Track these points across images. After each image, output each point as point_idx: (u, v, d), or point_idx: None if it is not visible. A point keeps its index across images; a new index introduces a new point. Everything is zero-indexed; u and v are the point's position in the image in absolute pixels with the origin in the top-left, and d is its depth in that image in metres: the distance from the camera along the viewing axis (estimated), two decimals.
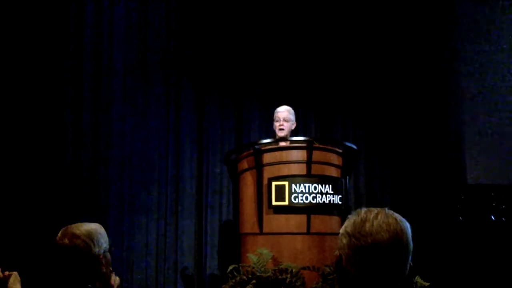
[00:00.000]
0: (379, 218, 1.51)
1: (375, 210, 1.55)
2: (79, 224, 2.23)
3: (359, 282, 1.50)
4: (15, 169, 5.07)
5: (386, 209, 1.56)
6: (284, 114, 4.82)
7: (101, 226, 2.27)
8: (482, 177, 5.94)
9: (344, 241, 1.53)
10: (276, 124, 4.81)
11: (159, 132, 5.67)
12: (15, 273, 2.36)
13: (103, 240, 2.22)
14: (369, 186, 6.23)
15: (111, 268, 2.26)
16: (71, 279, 2.16)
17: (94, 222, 2.30)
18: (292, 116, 4.85)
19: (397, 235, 1.49)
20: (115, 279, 2.27)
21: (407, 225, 1.54)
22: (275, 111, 4.88)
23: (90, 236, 2.18)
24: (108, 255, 2.24)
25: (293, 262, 4.14)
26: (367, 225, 1.50)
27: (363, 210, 1.56)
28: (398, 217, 1.54)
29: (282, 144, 4.63)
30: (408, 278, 1.53)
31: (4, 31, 5.18)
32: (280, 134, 4.76)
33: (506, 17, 6.08)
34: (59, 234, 2.20)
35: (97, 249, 2.17)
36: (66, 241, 2.16)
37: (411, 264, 1.53)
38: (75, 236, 2.16)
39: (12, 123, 5.14)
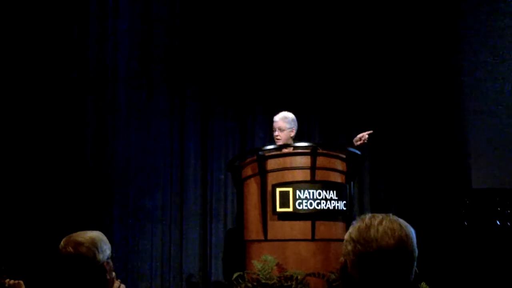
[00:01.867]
0: (383, 224, 1.51)
1: (379, 216, 1.54)
2: (81, 232, 2.24)
3: None
4: (20, 177, 5.08)
5: (391, 214, 1.56)
6: (279, 123, 4.78)
7: (102, 233, 2.27)
8: (487, 181, 5.93)
9: (349, 247, 1.53)
10: (274, 134, 4.81)
11: (164, 139, 5.67)
12: (21, 282, 2.37)
13: (106, 247, 2.23)
14: (374, 191, 6.23)
15: (114, 275, 2.26)
16: (76, 287, 2.16)
17: (97, 230, 2.31)
18: (287, 124, 4.78)
19: (402, 241, 1.49)
20: (119, 286, 2.27)
21: (412, 231, 1.53)
22: (273, 119, 4.86)
23: (94, 243, 2.18)
24: (111, 262, 2.24)
25: (298, 269, 4.13)
26: (372, 231, 1.50)
27: (368, 216, 1.56)
28: (403, 222, 1.54)
29: (286, 150, 4.63)
30: (414, 284, 1.52)
31: (7, 35, 5.19)
32: (278, 143, 4.75)
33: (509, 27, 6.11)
34: (61, 243, 2.20)
35: (101, 256, 2.18)
36: (70, 249, 2.16)
37: (416, 270, 1.53)
38: (79, 243, 2.16)
39: (15, 130, 5.14)
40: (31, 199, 5.06)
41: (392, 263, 1.47)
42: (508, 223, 5.62)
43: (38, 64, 5.26)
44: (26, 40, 5.23)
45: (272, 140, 4.93)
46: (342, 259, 1.57)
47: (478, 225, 5.71)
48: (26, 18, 5.25)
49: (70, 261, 2.15)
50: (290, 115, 4.84)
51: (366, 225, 1.52)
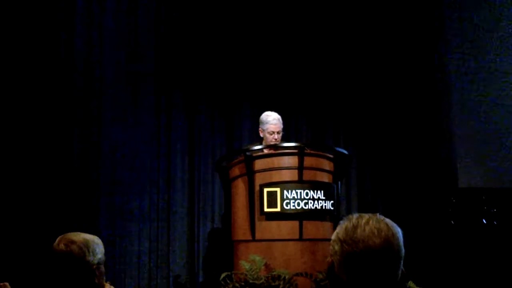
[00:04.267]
0: (370, 224, 1.51)
1: (366, 216, 1.55)
2: (78, 232, 2.28)
3: None
4: (7, 178, 5.03)
5: (378, 214, 1.56)
6: (278, 126, 4.79)
7: (99, 238, 2.30)
8: (474, 180, 5.97)
9: (336, 247, 1.53)
10: (270, 137, 4.78)
11: (150, 140, 5.65)
12: (6, 284, 2.35)
13: (99, 251, 2.24)
14: (361, 191, 6.24)
15: (104, 279, 2.26)
16: (64, 287, 2.16)
17: (84, 230, 2.35)
18: (282, 125, 4.83)
19: (389, 241, 1.49)
20: None
21: (398, 230, 1.54)
22: (265, 120, 4.83)
23: (86, 243, 2.21)
24: (103, 268, 2.25)
25: (285, 269, 4.13)
26: (359, 231, 1.51)
27: (355, 215, 1.56)
28: (390, 222, 1.55)
29: (273, 150, 4.63)
30: (401, 283, 1.53)
31: None
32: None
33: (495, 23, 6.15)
34: (56, 241, 2.23)
35: (91, 258, 2.19)
36: (62, 246, 2.19)
37: (403, 269, 1.53)
38: (71, 242, 2.20)
39: (3, 131, 5.11)
40: (16, 201, 5.02)
41: (379, 263, 1.48)
42: (494, 222, 5.66)
43: (25, 65, 5.22)
44: (10, 40, 5.19)
45: (260, 140, 4.92)
46: (329, 259, 1.57)
47: (464, 224, 5.74)
48: (10, 16, 5.21)
49: (60, 258, 2.18)
50: (279, 116, 4.86)
51: (353, 225, 1.53)
